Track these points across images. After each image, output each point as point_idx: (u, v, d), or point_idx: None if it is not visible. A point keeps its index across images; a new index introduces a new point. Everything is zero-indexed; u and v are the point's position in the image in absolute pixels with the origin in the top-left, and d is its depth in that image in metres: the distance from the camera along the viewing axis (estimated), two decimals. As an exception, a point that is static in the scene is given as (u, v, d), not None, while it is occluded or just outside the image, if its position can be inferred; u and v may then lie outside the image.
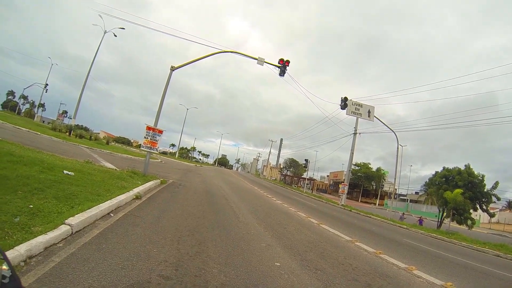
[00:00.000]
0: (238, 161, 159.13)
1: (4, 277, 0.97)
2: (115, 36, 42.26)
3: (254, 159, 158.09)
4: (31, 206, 5.67)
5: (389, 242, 13.53)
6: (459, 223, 31.33)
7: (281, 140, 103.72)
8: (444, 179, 33.60)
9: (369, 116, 32.77)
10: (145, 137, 17.53)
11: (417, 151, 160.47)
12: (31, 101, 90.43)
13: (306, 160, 61.10)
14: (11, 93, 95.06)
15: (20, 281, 0.91)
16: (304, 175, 77.73)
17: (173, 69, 18.85)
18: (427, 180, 39.04)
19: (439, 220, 32.31)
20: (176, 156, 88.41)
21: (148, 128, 17.65)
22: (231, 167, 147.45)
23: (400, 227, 22.73)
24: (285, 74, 20.50)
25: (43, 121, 63.69)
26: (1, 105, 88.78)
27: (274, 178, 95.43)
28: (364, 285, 6.23)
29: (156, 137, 17.66)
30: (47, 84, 66.18)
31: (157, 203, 10.34)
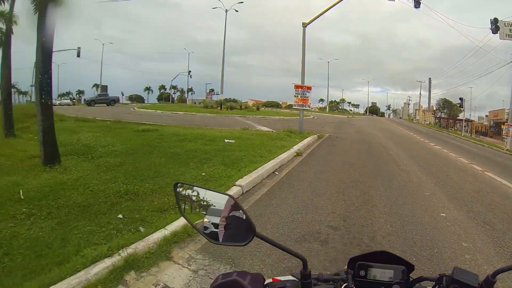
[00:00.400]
0: (388, 107, 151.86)
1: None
2: (237, 11, 43.95)
3: (404, 103, 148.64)
4: (203, 174, 6.32)
5: None
6: None
7: (430, 79, 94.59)
8: None
9: (529, 37, 27.25)
10: (295, 96, 17.75)
11: None
12: (181, 88, 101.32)
13: (461, 98, 54.60)
14: (162, 87, 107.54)
15: (256, 230, 0.98)
16: (460, 116, 70.20)
17: (305, 25, 18.45)
18: None
19: None
20: (327, 110, 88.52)
21: (297, 86, 17.81)
22: (382, 115, 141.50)
23: None
24: (420, 5, 18.43)
25: (195, 103, 69.69)
26: (157, 98, 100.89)
27: (428, 122, 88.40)
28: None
29: (306, 94, 17.75)
30: (190, 71, 74.63)
31: (317, 157, 10.54)
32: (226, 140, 10.54)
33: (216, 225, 1.07)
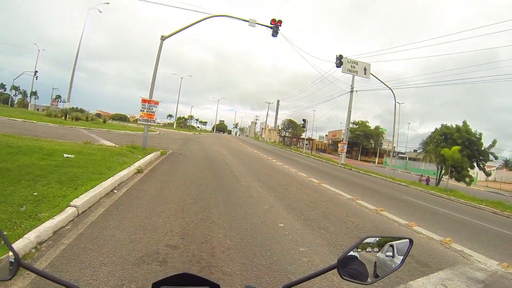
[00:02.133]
0: (236, 125, 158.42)
1: (11, 263, 1.03)
2: (100, 12, 40.66)
3: (252, 122, 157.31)
4: (36, 194, 5.79)
5: (389, 199, 13.75)
6: (458, 180, 31.28)
7: (278, 101, 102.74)
8: (442, 136, 33.07)
9: (365, 74, 32.06)
10: (141, 110, 17.46)
11: (415, 109, 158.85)
12: (23, 91, 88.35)
13: (304, 120, 60.52)
14: (1, 85, 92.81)
15: (20, 260, 1.00)
16: (303, 135, 77.57)
17: (163, 38, 18.45)
18: (426, 138, 38.55)
19: (437, 177, 32.18)
20: (174, 126, 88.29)
21: (144, 100, 17.54)
22: (229, 132, 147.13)
23: (399, 184, 22.74)
24: (278, 34, 20.06)
25: (38, 109, 62.57)
26: None
27: (273, 140, 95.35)
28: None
29: (152, 109, 17.58)
30: (36, 72, 64.38)
31: (158, 175, 10.51)
32: (65, 155, 9.82)
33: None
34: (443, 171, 31.09)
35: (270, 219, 6.99)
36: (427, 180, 33.81)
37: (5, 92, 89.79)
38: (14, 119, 25.52)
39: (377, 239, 1.35)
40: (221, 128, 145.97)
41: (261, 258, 4.65)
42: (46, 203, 5.43)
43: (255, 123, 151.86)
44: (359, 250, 1.25)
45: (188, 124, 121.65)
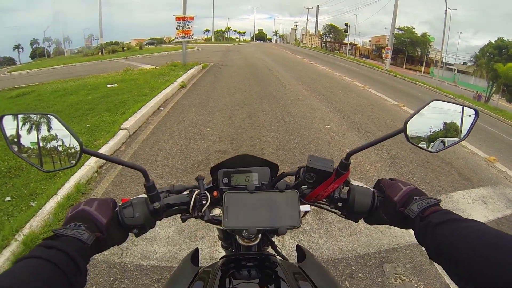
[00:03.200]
0: (276, 33, 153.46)
1: (72, 153, 1.02)
2: None
3: (292, 29, 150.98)
4: (88, 125, 6.02)
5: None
6: (509, 101, 28.28)
7: (317, 6, 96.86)
8: (497, 50, 29.41)
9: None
10: (176, 28, 17.04)
11: (469, 17, 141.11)
12: (56, 40, 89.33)
13: (346, 24, 57.68)
14: (34, 41, 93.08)
15: (83, 146, 0.98)
16: (345, 41, 74.03)
17: None
18: (478, 50, 34.78)
19: (487, 95, 29.26)
20: (212, 40, 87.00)
21: (178, 18, 17.00)
22: (270, 40, 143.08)
23: (446, 96, 21.38)
24: None
25: (73, 53, 63.30)
26: (30, 56, 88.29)
27: (314, 46, 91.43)
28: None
29: (188, 25, 17.07)
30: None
31: (202, 87, 10.53)
32: (108, 85, 10.01)
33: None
34: (494, 88, 28.42)
35: (317, 120, 6.91)
36: (479, 96, 31.39)
37: (39, 47, 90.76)
38: (54, 66, 26.12)
39: (444, 103, 1.24)
40: (260, 36, 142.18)
41: (310, 158, 4.64)
42: (99, 131, 5.65)
43: (295, 29, 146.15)
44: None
45: (226, 36, 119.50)
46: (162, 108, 7.63)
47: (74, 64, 26.60)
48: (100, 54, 34.79)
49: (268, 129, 5.98)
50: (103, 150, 4.71)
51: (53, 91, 9.94)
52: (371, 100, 10.71)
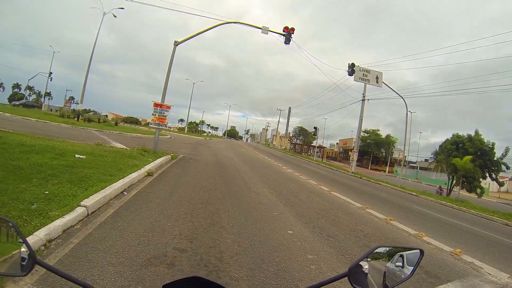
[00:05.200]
0: (247, 132, 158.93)
1: (23, 259, 1.02)
2: (115, 16, 40.95)
3: (263, 129, 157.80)
4: (47, 192, 5.83)
5: (399, 209, 13.53)
6: (469, 191, 30.16)
7: (289, 108, 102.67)
8: (454, 146, 32.16)
9: (377, 82, 31.99)
10: (153, 114, 17.55)
11: (427, 118, 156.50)
12: (37, 91, 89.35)
13: (315, 127, 60.43)
14: (16, 85, 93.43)
15: (36, 257, 0.98)
16: (314, 143, 77.46)
17: (176, 43, 18.64)
18: (437, 147, 37.89)
19: (449, 187, 30.96)
20: (185, 131, 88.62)
21: (156, 104, 17.64)
22: (240, 138, 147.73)
23: (410, 194, 22.34)
24: (290, 42, 20.10)
25: (51, 110, 62.69)
26: (8, 99, 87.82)
27: (284, 147, 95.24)
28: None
29: (164, 113, 17.67)
30: (51, 73, 65.18)
31: (169, 178, 10.52)
32: (77, 155, 9.90)
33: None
34: (454, 181, 30.33)
35: (279, 225, 6.94)
36: (441, 190, 33.14)
37: (20, 92, 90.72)
38: (28, 118, 25.81)
39: (388, 249, 1.34)
40: (232, 134, 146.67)
41: (269, 264, 4.61)
42: (57, 202, 5.47)
43: (266, 129, 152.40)
44: (369, 259, 1.25)
45: (199, 129, 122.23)
46: (125, 193, 7.54)
47: (48, 122, 26.29)
48: (76, 119, 34.64)
49: (229, 231, 5.93)
50: (57, 224, 4.52)
51: (20, 144, 9.75)
52: (336, 204, 11.05)
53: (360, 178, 29.42)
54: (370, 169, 74.36)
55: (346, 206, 11.13)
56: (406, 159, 61.63)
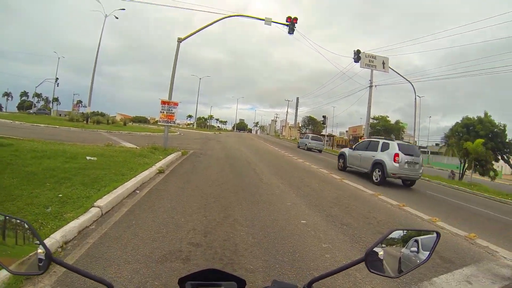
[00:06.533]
0: (256, 124, 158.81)
1: (40, 260, 1.04)
2: (117, 18, 40.92)
3: (272, 120, 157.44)
4: (61, 195, 5.91)
5: (411, 194, 13.48)
6: (482, 174, 30.28)
7: (297, 99, 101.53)
8: (465, 128, 31.90)
9: (383, 68, 31.53)
10: (161, 112, 17.61)
11: (437, 102, 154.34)
12: (45, 98, 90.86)
13: (324, 116, 60.32)
14: (24, 93, 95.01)
15: (52, 255, 1.00)
16: (323, 132, 77.10)
17: (180, 40, 18.58)
18: (448, 131, 37.46)
19: (461, 171, 30.78)
20: (194, 126, 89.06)
21: (163, 102, 17.68)
22: (250, 131, 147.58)
23: (422, 179, 22.29)
24: (294, 32, 19.90)
25: (60, 114, 63.24)
26: (17, 107, 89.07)
27: (293, 137, 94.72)
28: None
29: (172, 110, 17.72)
30: (57, 79, 65.94)
31: (180, 174, 10.57)
32: (88, 157, 9.98)
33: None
34: (466, 165, 29.91)
35: (293, 216, 6.95)
36: (454, 174, 32.75)
37: (28, 100, 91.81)
38: (38, 124, 26.06)
39: (404, 232, 1.34)
40: (241, 126, 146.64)
41: (283, 255, 4.62)
42: (71, 204, 5.54)
43: (275, 120, 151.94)
44: (384, 245, 1.26)
45: (208, 124, 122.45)
46: (138, 191, 7.60)
47: (58, 126, 26.56)
48: (85, 122, 34.96)
49: (242, 223, 5.95)
50: (72, 225, 4.59)
51: (32, 150, 9.83)
52: (348, 192, 11.04)
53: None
54: (381, 155, 73.56)
55: (359, 193, 11.10)
56: (417, 144, 60.96)
